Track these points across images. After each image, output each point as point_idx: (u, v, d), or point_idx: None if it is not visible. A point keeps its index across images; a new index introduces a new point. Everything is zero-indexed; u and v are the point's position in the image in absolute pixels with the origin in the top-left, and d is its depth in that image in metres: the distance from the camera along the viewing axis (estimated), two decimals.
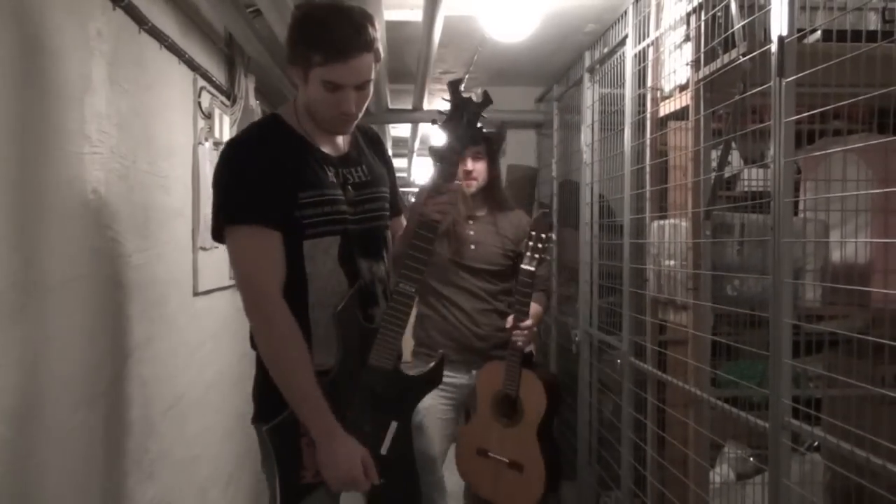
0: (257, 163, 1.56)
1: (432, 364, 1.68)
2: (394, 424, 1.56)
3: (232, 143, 1.66)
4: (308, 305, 1.57)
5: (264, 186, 1.54)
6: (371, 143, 1.82)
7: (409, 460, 1.64)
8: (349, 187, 1.64)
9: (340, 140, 1.71)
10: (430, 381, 1.66)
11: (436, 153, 1.70)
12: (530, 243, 2.63)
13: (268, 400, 1.57)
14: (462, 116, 1.62)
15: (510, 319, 2.62)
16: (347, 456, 1.49)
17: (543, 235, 2.64)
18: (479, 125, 1.63)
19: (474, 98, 1.65)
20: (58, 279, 1.56)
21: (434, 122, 1.67)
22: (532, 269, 2.61)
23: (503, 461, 2.71)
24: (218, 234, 1.60)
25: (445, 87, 1.66)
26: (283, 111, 1.69)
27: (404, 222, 1.92)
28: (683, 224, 2.24)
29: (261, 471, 1.64)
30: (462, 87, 1.66)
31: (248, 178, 1.55)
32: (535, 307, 2.72)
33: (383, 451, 1.55)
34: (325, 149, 1.65)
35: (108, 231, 1.80)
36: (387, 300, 1.66)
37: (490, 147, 2.79)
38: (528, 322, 2.62)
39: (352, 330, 1.55)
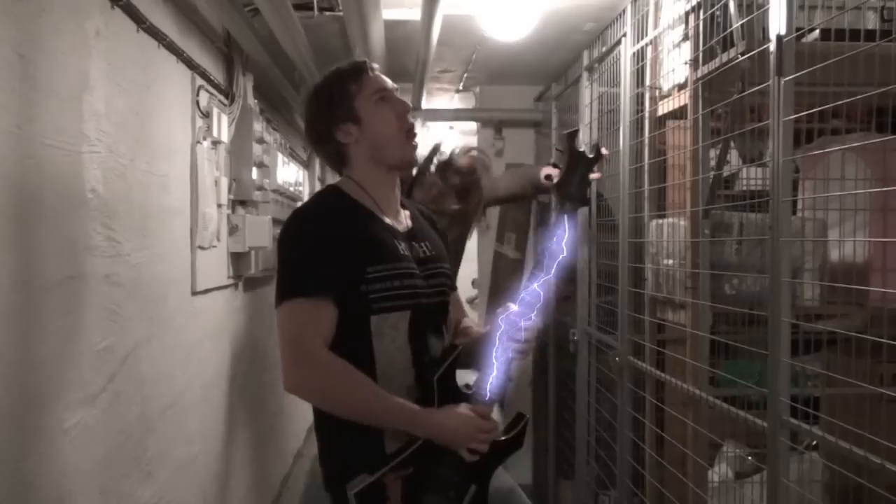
0: (323, 235, 1.54)
1: (516, 430, 1.64)
2: (472, 488, 1.57)
3: (298, 215, 1.62)
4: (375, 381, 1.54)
5: (327, 259, 1.51)
6: (426, 220, 1.80)
7: None
8: (419, 261, 1.62)
9: (402, 215, 1.68)
10: (514, 445, 1.64)
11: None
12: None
13: (344, 461, 1.56)
14: (576, 173, 1.49)
15: None
16: (458, 421, 1.52)
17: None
18: (589, 184, 1.52)
19: (587, 152, 1.51)
20: (56, 278, 1.56)
21: (548, 178, 1.54)
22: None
23: None
24: (279, 304, 1.55)
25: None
26: (341, 184, 1.66)
27: (459, 298, 1.86)
28: (682, 223, 2.24)
29: None
30: (578, 139, 1.49)
31: (311, 253, 1.52)
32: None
33: None
34: (391, 222, 1.62)
35: (107, 230, 1.79)
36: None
37: None
38: None
39: (448, 394, 1.55)
